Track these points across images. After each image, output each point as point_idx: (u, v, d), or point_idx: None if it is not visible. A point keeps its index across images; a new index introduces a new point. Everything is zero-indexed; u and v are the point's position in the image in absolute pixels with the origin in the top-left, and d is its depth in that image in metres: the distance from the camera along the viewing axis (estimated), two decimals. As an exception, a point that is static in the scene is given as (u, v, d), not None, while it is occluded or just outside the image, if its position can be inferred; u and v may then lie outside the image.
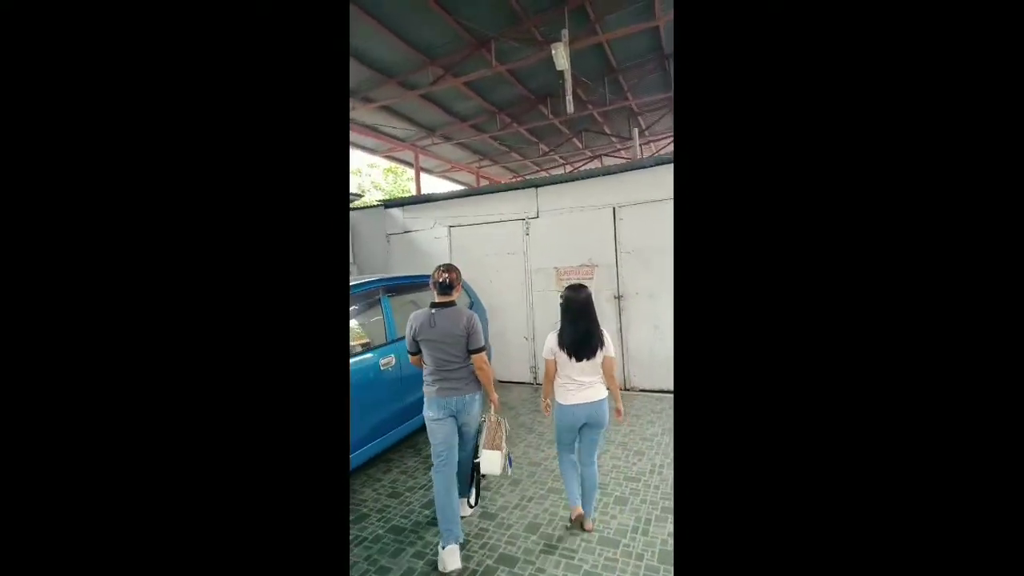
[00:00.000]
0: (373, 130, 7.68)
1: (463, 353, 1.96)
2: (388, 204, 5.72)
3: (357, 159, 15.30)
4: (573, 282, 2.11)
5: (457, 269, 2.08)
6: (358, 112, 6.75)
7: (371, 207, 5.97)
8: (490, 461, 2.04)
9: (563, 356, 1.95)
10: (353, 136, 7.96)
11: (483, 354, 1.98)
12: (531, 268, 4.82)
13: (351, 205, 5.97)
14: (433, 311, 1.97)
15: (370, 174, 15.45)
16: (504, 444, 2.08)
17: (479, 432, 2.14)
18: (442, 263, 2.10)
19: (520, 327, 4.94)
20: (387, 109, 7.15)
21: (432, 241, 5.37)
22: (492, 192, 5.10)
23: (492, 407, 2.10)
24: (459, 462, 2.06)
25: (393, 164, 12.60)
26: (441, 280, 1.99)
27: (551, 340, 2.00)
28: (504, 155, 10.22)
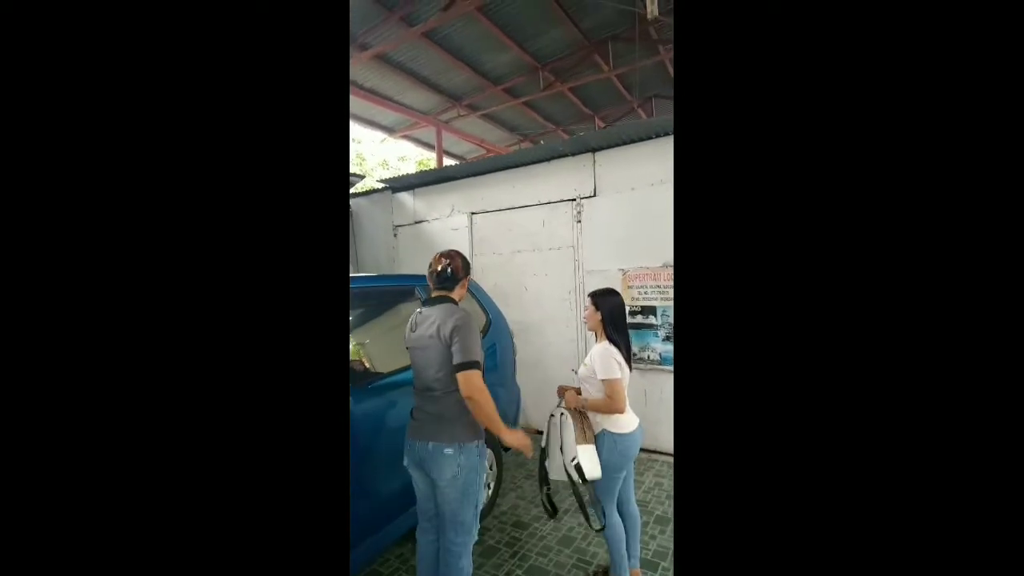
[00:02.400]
0: (379, 97, 6.64)
1: (443, 372, 1.49)
2: (395, 185, 4.74)
3: (383, 149, 14.69)
4: (603, 288, 1.88)
5: (463, 256, 1.66)
6: (355, 67, 5.67)
7: (375, 191, 5.07)
8: (591, 461, 1.69)
9: (626, 370, 1.74)
10: (364, 108, 7.01)
11: (473, 373, 1.44)
12: (584, 270, 3.61)
13: (350, 189, 5.05)
14: (420, 309, 1.63)
15: (399, 168, 14.71)
16: (593, 438, 1.75)
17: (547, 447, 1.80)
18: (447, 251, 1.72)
19: (566, 355, 3.63)
20: (396, 66, 6.06)
21: (448, 233, 4.36)
22: (529, 163, 3.83)
23: (562, 400, 1.80)
24: (443, 544, 1.57)
25: (426, 157, 11.71)
26: (440, 268, 1.61)
27: (615, 353, 1.71)
28: (549, 135, 9.01)
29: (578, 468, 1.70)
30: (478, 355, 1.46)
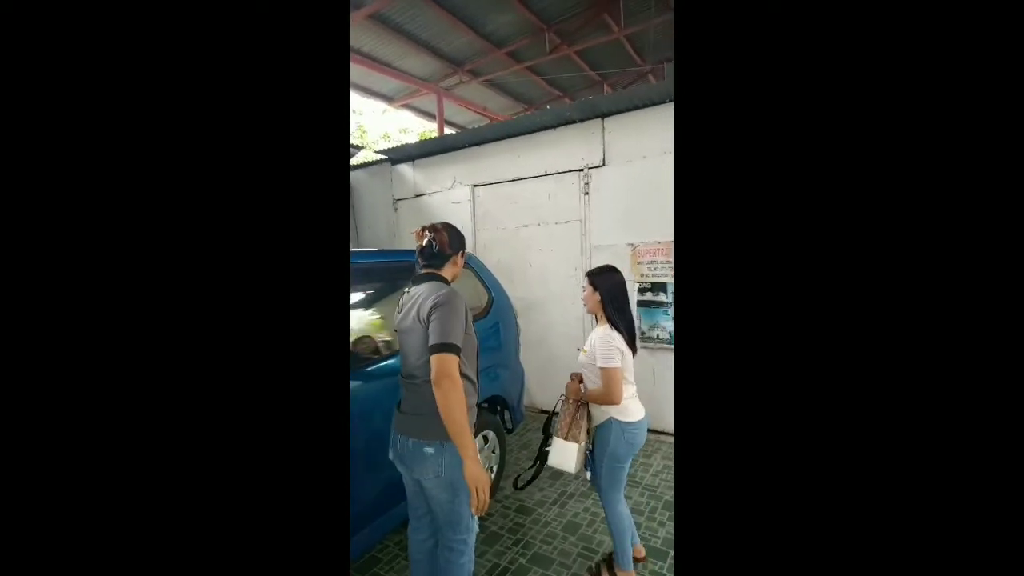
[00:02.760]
0: (377, 62, 6.34)
1: (424, 358, 1.31)
2: (395, 157, 4.54)
3: (384, 121, 14.31)
4: (602, 265, 1.77)
5: (453, 229, 1.48)
6: (351, 29, 5.38)
7: (374, 163, 4.87)
8: (561, 453, 1.65)
9: (629, 356, 1.62)
10: (362, 75, 6.72)
11: (446, 357, 1.24)
12: (592, 244, 3.47)
13: (348, 161, 4.87)
14: (407, 289, 1.46)
15: (401, 140, 14.35)
16: (584, 436, 1.65)
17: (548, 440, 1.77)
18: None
19: (572, 333, 3.53)
20: (394, 27, 5.76)
21: (450, 206, 4.19)
22: (535, 130, 3.62)
23: (568, 385, 1.72)
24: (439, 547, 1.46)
25: (428, 129, 11.34)
26: (424, 243, 1.43)
27: (617, 339, 1.58)
28: (555, 102, 8.65)
29: (545, 455, 1.72)
30: (457, 338, 1.25)
